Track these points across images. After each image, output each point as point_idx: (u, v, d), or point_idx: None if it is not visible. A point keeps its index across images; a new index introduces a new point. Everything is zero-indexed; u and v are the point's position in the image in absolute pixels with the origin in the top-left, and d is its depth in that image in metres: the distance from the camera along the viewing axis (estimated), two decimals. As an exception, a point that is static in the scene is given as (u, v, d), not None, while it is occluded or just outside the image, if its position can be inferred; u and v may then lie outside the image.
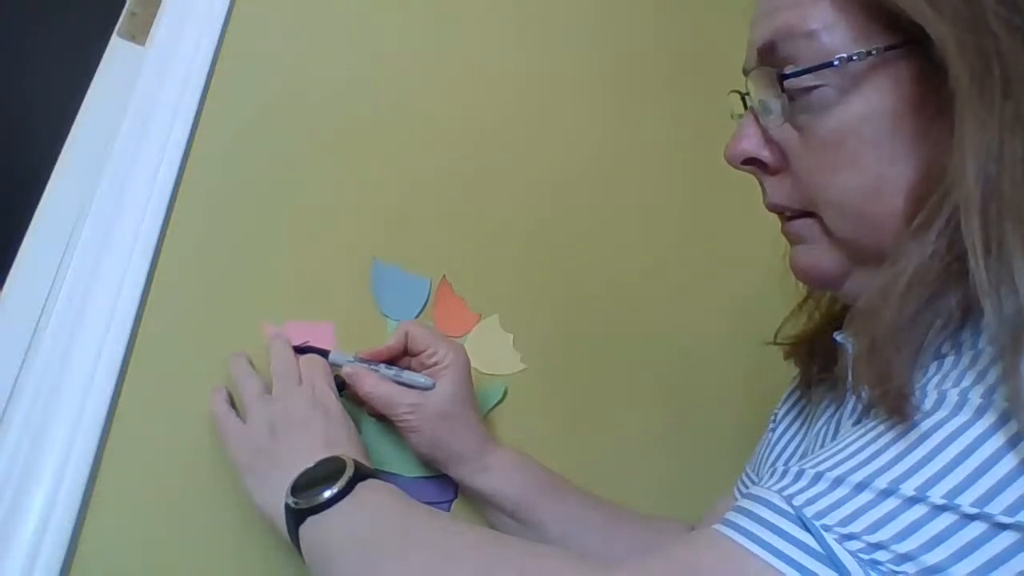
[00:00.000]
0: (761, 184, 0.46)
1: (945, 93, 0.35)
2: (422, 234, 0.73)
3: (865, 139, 0.39)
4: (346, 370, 0.58)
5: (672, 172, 0.98)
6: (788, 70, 0.40)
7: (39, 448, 0.51)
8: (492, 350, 0.72)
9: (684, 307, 0.92)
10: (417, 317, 0.69)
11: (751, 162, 0.45)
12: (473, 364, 0.71)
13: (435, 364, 0.59)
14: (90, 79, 0.64)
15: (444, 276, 0.72)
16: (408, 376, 0.58)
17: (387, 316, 0.67)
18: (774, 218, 0.49)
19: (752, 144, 0.44)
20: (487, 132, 0.81)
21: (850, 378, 0.38)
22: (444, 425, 0.58)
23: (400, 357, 0.61)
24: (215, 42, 0.66)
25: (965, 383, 0.32)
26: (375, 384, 0.57)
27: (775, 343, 0.58)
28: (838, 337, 0.43)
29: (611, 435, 0.77)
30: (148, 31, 0.66)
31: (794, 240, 0.46)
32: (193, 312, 0.60)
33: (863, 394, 0.36)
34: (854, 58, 0.38)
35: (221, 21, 0.67)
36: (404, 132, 0.75)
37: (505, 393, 0.71)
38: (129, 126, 0.61)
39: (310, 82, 0.71)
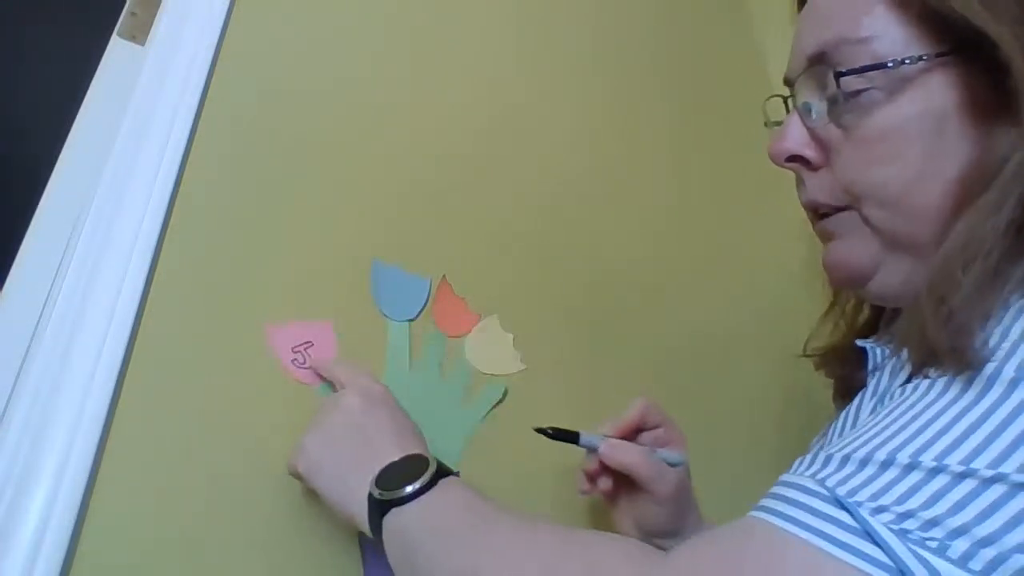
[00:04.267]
0: (800, 181, 0.49)
1: (993, 94, 0.39)
2: (422, 234, 0.73)
3: (910, 137, 0.42)
4: (605, 447, 0.58)
5: (672, 171, 0.98)
6: (843, 69, 0.43)
7: (39, 448, 0.51)
8: (492, 350, 0.72)
9: (684, 306, 0.92)
10: (417, 317, 0.69)
11: (794, 159, 0.47)
12: (473, 364, 0.71)
13: (670, 440, 0.62)
14: (90, 79, 0.64)
15: (444, 276, 0.72)
16: (663, 452, 0.60)
17: (387, 316, 0.67)
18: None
19: (797, 142, 0.47)
20: (487, 132, 0.81)
21: (908, 340, 0.40)
22: (682, 499, 0.59)
23: (638, 431, 0.62)
24: (215, 42, 0.66)
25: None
26: (639, 455, 0.58)
27: (804, 355, 0.61)
28: (865, 344, 0.46)
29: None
30: (148, 31, 0.66)
31: (829, 236, 0.48)
32: (193, 312, 0.60)
33: (921, 354, 0.38)
34: (906, 62, 0.41)
35: (221, 21, 0.67)
36: (404, 132, 0.75)
37: (505, 393, 0.71)
38: (129, 126, 0.61)
39: (310, 82, 0.71)
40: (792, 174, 0.50)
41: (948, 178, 0.41)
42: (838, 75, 0.43)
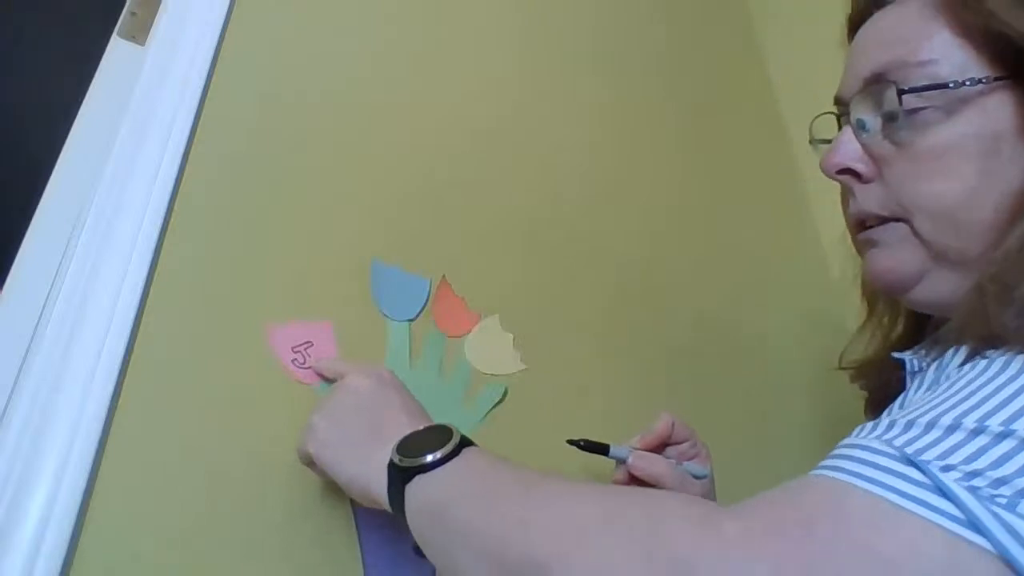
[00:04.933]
0: (848, 195, 0.50)
1: None
2: (422, 234, 0.73)
3: (966, 155, 0.44)
4: (634, 458, 0.60)
5: (672, 171, 0.98)
6: (905, 87, 0.45)
7: (39, 448, 0.51)
8: (492, 350, 0.72)
9: (685, 307, 0.92)
10: (417, 317, 0.69)
11: (846, 171, 0.49)
12: (473, 364, 0.71)
13: (695, 454, 0.64)
14: (90, 79, 0.64)
15: (444, 276, 0.72)
16: (689, 465, 0.62)
17: (387, 316, 0.67)
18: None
19: (850, 156, 0.48)
20: (487, 132, 0.81)
21: (966, 326, 0.41)
22: None
23: (664, 445, 0.64)
24: (215, 42, 0.66)
25: None
26: (665, 467, 0.59)
27: (840, 368, 0.62)
28: (903, 356, 0.48)
29: (611, 435, 0.77)
30: (148, 31, 0.66)
31: (873, 244, 0.49)
32: (193, 312, 0.60)
33: (981, 337, 0.39)
34: (966, 84, 0.43)
35: (221, 21, 0.67)
36: (404, 132, 0.75)
37: (505, 393, 0.71)
38: (129, 126, 0.61)
39: (310, 82, 0.71)
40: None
41: (1003, 194, 0.43)
42: (900, 92, 0.45)
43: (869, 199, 0.49)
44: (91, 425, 0.53)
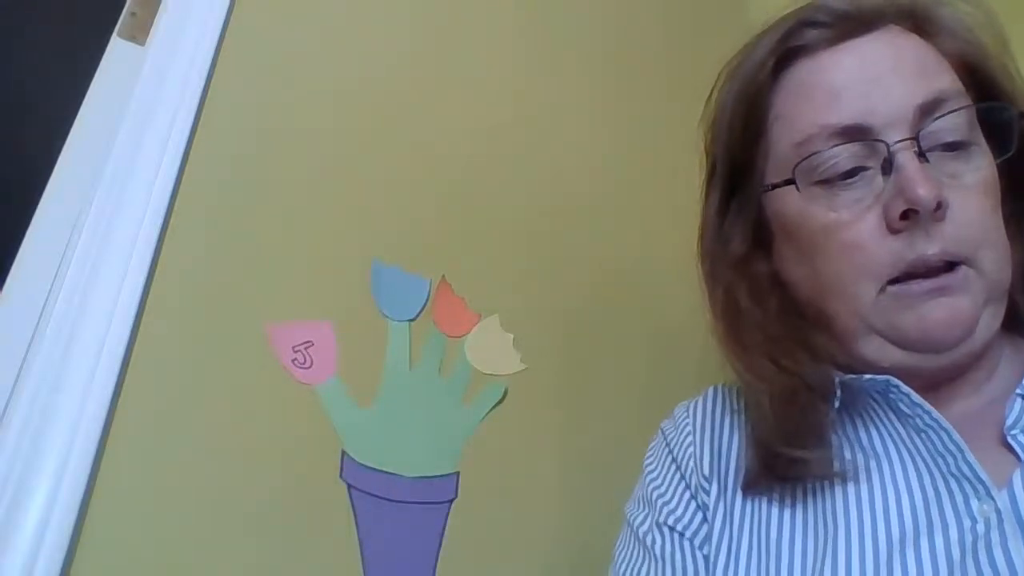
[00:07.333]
0: (917, 233, 0.43)
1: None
2: (422, 234, 0.72)
3: (998, 190, 0.44)
4: None
5: (672, 173, 0.98)
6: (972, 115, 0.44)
7: (39, 448, 0.51)
8: (492, 350, 0.72)
9: (685, 307, 0.92)
10: (417, 317, 0.69)
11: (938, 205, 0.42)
12: (473, 364, 0.71)
13: None
14: (90, 79, 0.64)
15: (444, 276, 0.72)
16: None
17: (387, 316, 0.67)
18: None
19: (940, 188, 0.42)
20: (488, 132, 0.81)
21: None
22: None
23: None
24: (215, 42, 0.66)
25: None
26: None
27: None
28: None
29: (611, 435, 0.77)
30: (148, 31, 0.66)
31: (946, 292, 0.43)
32: (193, 312, 0.60)
33: None
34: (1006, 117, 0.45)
35: (221, 21, 0.67)
36: (404, 132, 0.75)
37: (505, 393, 0.71)
38: (129, 126, 0.61)
39: (310, 82, 0.71)
40: None
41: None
42: (984, 119, 0.44)
43: (949, 238, 0.42)
44: (91, 425, 0.53)
